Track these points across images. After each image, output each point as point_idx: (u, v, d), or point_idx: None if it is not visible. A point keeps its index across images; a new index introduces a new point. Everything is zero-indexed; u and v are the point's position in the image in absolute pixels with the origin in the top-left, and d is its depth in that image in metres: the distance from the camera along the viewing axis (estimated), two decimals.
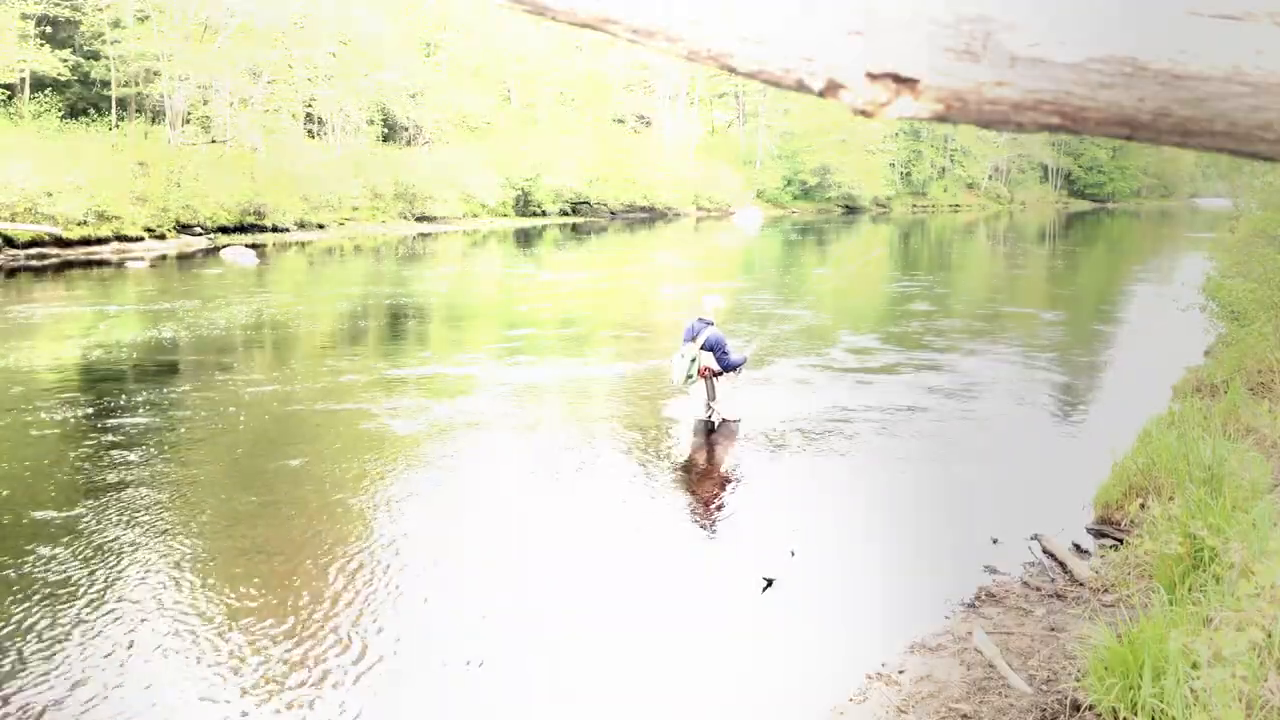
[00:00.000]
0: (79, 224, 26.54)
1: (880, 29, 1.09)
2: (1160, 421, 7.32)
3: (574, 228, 44.92)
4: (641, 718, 4.36)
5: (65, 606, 5.15)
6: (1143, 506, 6.12)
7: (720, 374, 8.80)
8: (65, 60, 28.40)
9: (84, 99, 33.83)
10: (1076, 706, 3.95)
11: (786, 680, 4.62)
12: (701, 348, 8.65)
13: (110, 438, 8.46)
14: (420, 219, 40.99)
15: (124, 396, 10.17)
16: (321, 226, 35.59)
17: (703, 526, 6.73)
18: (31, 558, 5.78)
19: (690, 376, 8.65)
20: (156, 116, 35.06)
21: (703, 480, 7.73)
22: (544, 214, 47.94)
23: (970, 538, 6.31)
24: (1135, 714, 3.56)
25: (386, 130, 44.19)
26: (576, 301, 19.90)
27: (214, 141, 33.37)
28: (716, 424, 8.91)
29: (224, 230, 31.79)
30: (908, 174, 72.12)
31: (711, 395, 8.89)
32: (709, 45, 1.17)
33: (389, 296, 19.31)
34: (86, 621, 5.00)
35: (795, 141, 64.07)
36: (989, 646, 4.64)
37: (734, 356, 8.83)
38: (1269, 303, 9.57)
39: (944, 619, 5.16)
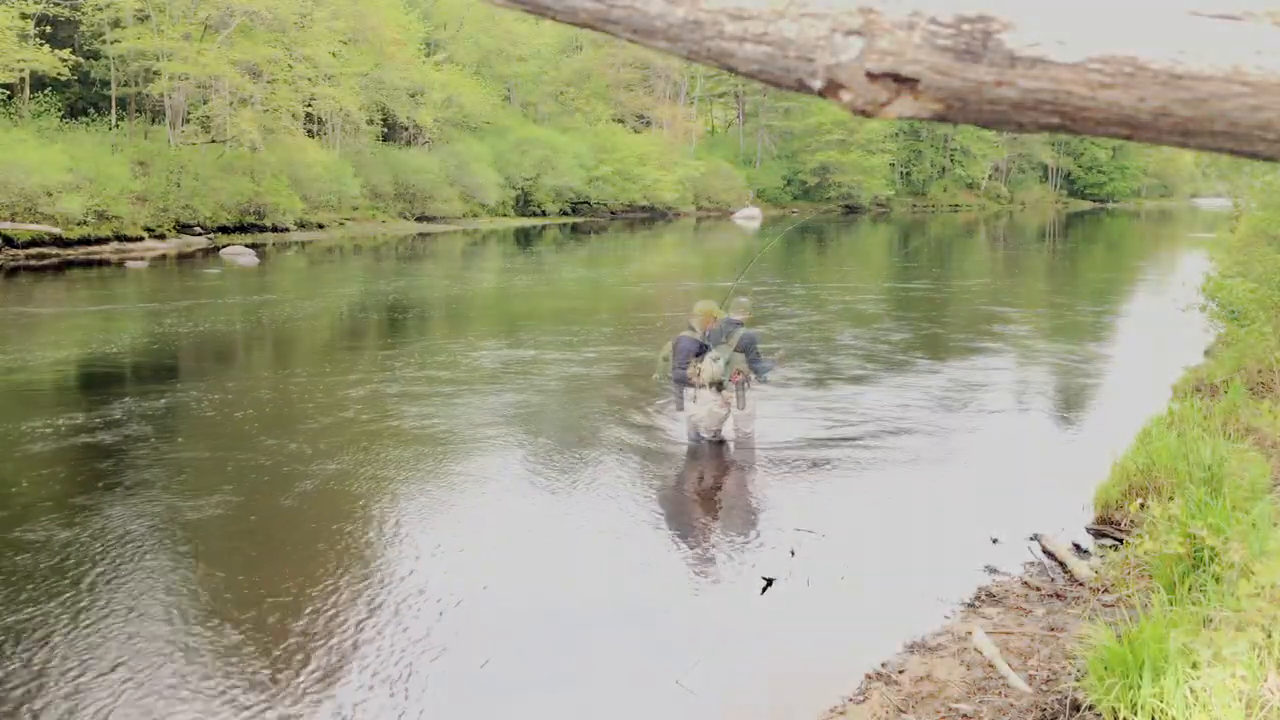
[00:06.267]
0: (79, 224, 26.56)
1: (880, 29, 1.09)
2: (1160, 421, 7.31)
3: (574, 228, 44.93)
4: (641, 717, 4.36)
5: (65, 606, 5.15)
6: (1143, 506, 6.11)
7: (750, 380, 8.15)
8: (65, 60, 28.38)
9: (84, 99, 33.83)
10: (1076, 706, 3.95)
11: (787, 680, 4.62)
12: (735, 349, 7.97)
13: (110, 438, 8.46)
14: (420, 219, 41.02)
15: (124, 397, 10.16)
16: (321, 226, 35.61)
17: (702, 526, 6.73)
18: (31, 558, 5.78)
19: (724, 384, 7.96)
20: (156, 116, 35.06)
21: (702, 480, 7.73)
22: (544, 214, 47.97)
23: (970, 538, 6.31)
24: (1135, 714, 3.56)
25: (386, 130, 44.19)
26: (579, 301, 19.90)
27: (214, 141, 33.37)
28: (736, 437, 8.31)
29: (224, 230, 31.81)
30: (908, 174, 72.10)
31: (741, 404, 8.20)
32: (709, 45, 1.17)
33: (390, 297, 19.31)
34: (86, 621, 5.00)
35: (795, 141, 64.09)
36: (989, 646, 4.64)
37: (766, 360, 8.16)
38: (1269, 303, 9.56)
39: (944, 619, 5.15)
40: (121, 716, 4.17)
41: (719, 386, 8.06)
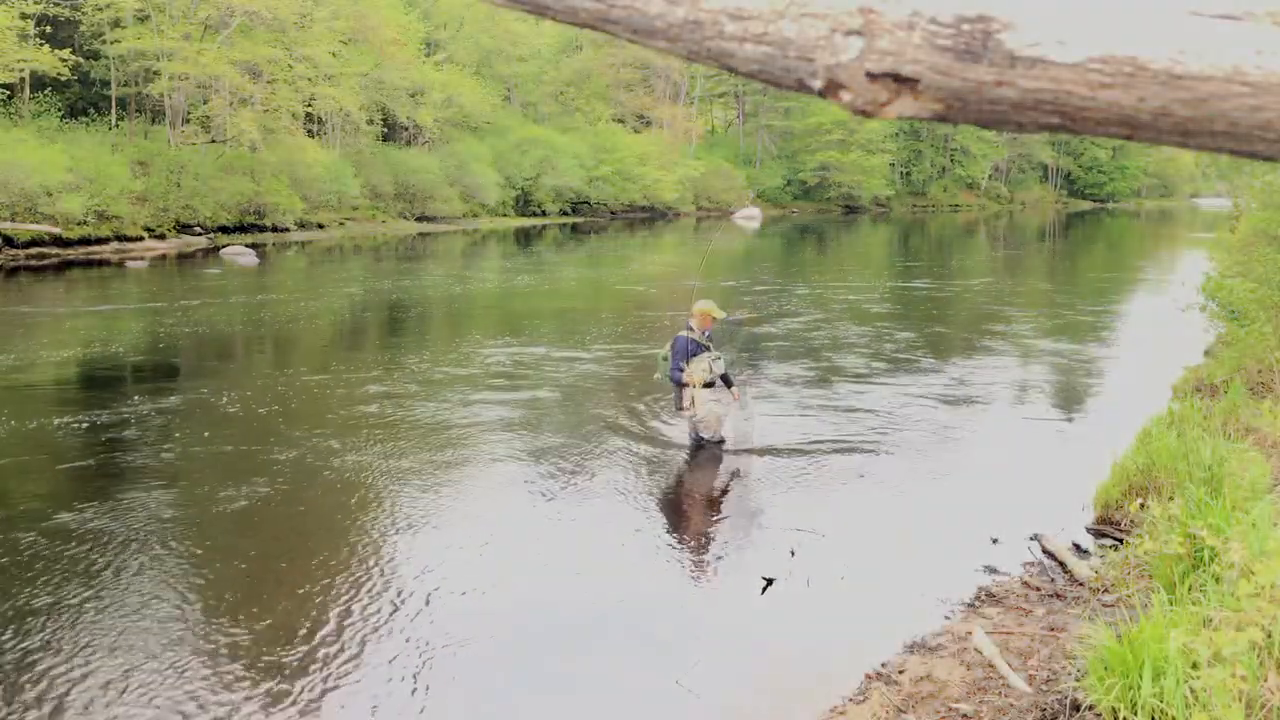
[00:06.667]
0: (79, 224, 26.55)
1: (880, 29, 1.09)
2: (1160, 421, 7.31)
3: (574, 228, 44.94)
4: (641, 717, 4.36)
5: (66, 608, 5.15)
6: (1143, 506, 6.11)
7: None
8: (65, 60, 28.36)
9: (84, 99, 33.81)
10: (1076, 706, 3.95)
11: (787, 680, 4.62)
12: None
13: (137, 433, 8.46)
14: (420, 219, 41.00)
15: (146, 394, 10.17)
16: (321, 226, 35.60)
17: (702, 526, 6.73)
18: (30, 559, 5.78)
19: (731, 382, 8.16)
20: (156, 116, 35.05)
21: (702, 481, 7.73)
22: (544, 214, 47.96)
23: (970, 538, 6.31)
24: (1135, 714, 3.56)
25: (386, 130, 44.17)
26: (580, 300, 19.91)
27: (214, 141, 33.35)
28: (734, 436, 8.31)
29: (224, 230, 31.79)
30: (908, 174, 72.09)
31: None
32: (709, 45, 1.17)
33: (394, 296, 19.31)
34: (118, 609, 5.00)
35: (795, 141, 64.07)
36: (989, 646, 4.64)
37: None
38: (1269, 303, 9.56)
39: (944, 619, 5.15)
40: (148, 703, 4.17)
41: (727, 383, 8.20)
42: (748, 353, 8.26)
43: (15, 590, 5.34)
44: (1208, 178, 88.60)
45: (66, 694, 4.33)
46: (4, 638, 4.82)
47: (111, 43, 31.69)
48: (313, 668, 4.59)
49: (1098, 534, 6.38)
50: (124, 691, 4.35)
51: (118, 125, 33.41)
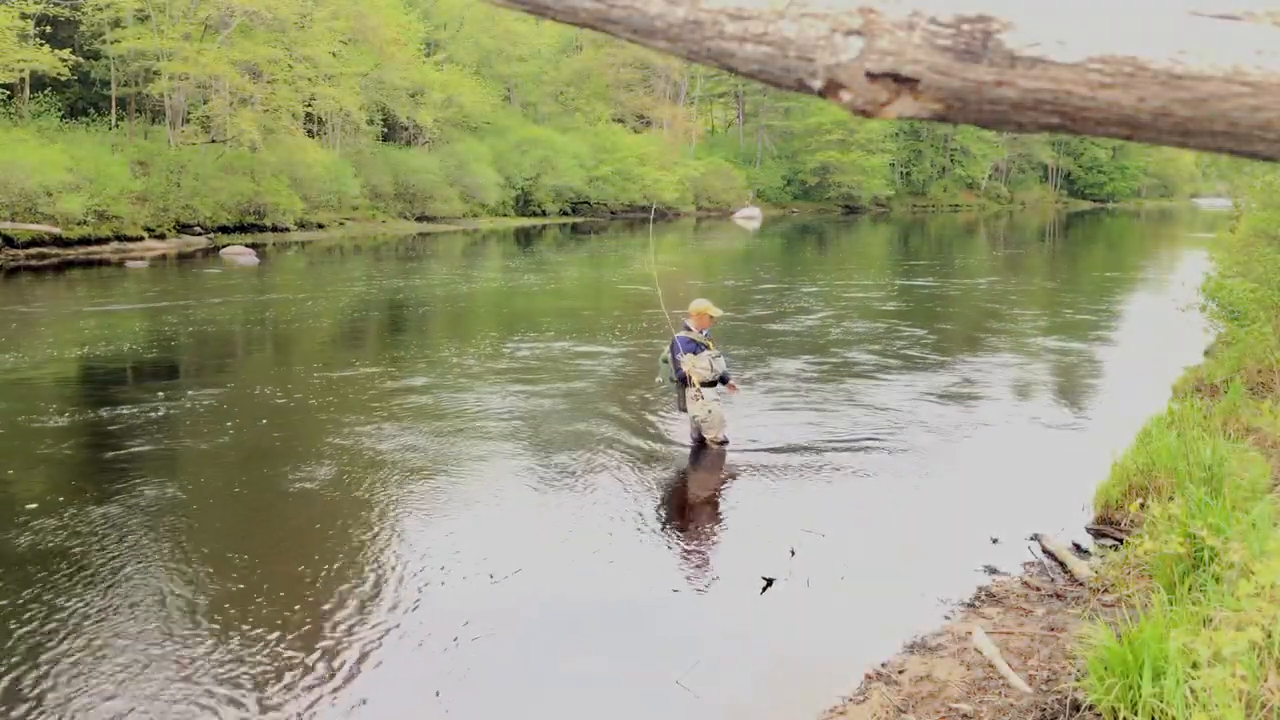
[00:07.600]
0: (79, 224, 26.54)
1: (880, 29, 1.09)
2: (1160, 421, 7.31)
3: (574, 228, 44.94)
4: (641, 717, 4.36)
5: (65, 613, 5.16)
6: (1143, 506, 6.10)
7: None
8: (65, 60, 28.36)
9: (84, 99, 33.82)
10: (1076, 706, 3.95)
11: (787, 680, 4.62)
12: None
13: (110, 440, 8.46)
14: (420, 219, 41.01)
15: (124, 399, 10.17)
16: (321, 226, 35.60)
17: (703, 526, 6.73)
18: (28, 560, 5.79)
19: (728, 379, 8.26)
20: (156, 116, 35.05)
21: (703, 481, 7.73)
22: (544, 214, 47.97)
23: (970, 538, 6.31)
24: (1135, 714, 3.56)
25: (386, 130, 44.17)
26: (583, 300, 19.91)
27: (214, 141, 33.35)
28: (725, 438, 8.37)
29: (224, 230, 31.80)
30: (908, 174, 72.09)
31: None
32: (709, 45, 1.17)
33: (390, 297, 19.31)
34: (88, 631, 5.00)
35: (795, 141, 64.07)
36: (989, 646, 4.63)
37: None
38: (1269, 303, 9.56)
39: (944, 619, 5.15)
40: (189, 675, 4.19)
41: (723, 380, 8.22)
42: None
43: (90, 561, 5.49)
44: (1208, 178, 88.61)
45: (128, 649, 4.37)
46: (84, 603, 4.92)
47: (111, 43, 31.69)
48: (318, 657, 4.59)
49: (1098, 534, 6.38)
50: (160, 647, 4.37)
51: (118, 125, 33.42)
